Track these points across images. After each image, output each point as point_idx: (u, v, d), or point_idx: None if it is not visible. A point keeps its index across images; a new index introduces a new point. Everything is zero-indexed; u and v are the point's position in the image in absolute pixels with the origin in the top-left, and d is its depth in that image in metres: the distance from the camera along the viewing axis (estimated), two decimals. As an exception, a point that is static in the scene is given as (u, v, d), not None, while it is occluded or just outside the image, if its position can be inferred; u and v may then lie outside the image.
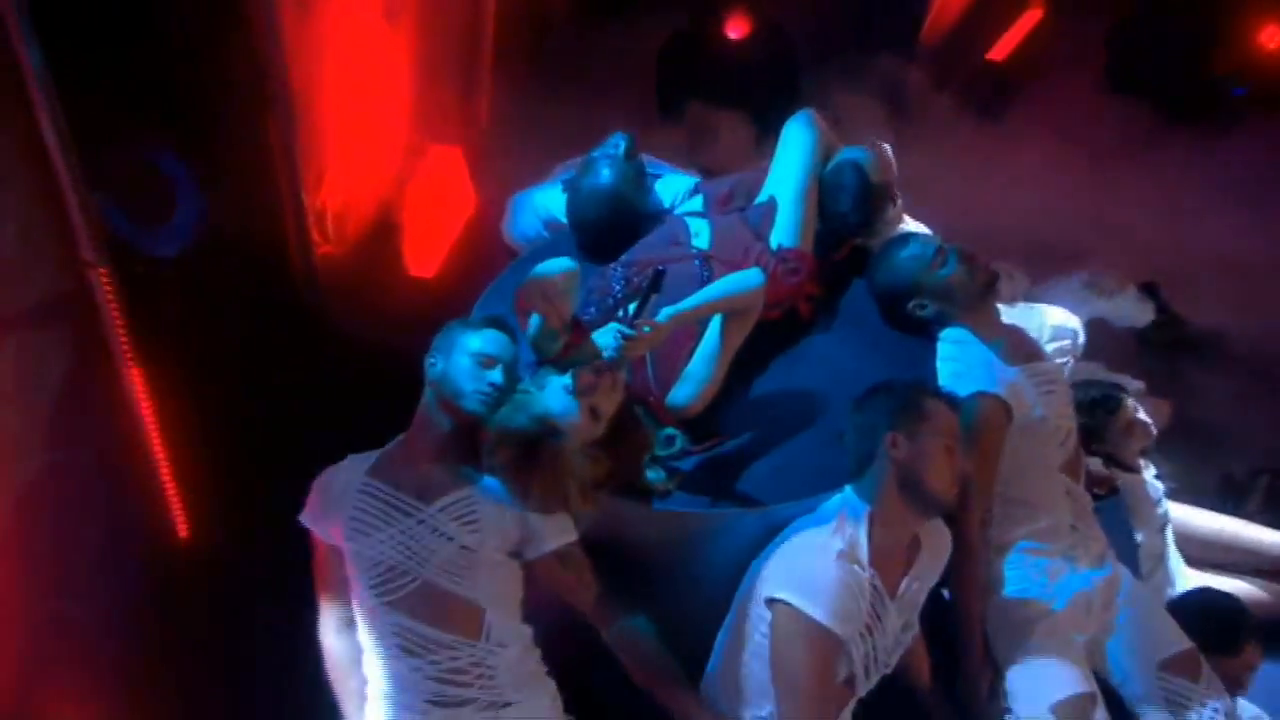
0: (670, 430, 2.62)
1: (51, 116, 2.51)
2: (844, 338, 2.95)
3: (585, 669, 2.49)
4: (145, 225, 2.98)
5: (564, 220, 3.25)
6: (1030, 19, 5.74)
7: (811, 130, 3.06)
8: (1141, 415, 3.35)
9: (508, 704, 2.37)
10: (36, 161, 2.54)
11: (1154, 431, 3.38)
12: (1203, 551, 3.50)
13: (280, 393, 3.31)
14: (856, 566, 2.33)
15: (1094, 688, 2.61)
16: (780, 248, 2.89)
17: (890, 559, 2.40)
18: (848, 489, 2.43)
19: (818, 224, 3.00)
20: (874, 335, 2.93)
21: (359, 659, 2.46)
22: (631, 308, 2.51)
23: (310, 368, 3.39)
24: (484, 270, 3.19)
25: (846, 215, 3.05)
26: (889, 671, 2.45)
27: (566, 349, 2.50)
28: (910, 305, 2.85)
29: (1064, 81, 5.58)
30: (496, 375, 2.40)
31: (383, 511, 2.40)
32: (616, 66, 5.20)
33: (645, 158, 3.28)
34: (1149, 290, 4.43)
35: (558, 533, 2.41)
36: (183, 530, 3.13)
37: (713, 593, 2.54)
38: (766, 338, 2.80)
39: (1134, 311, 4.35)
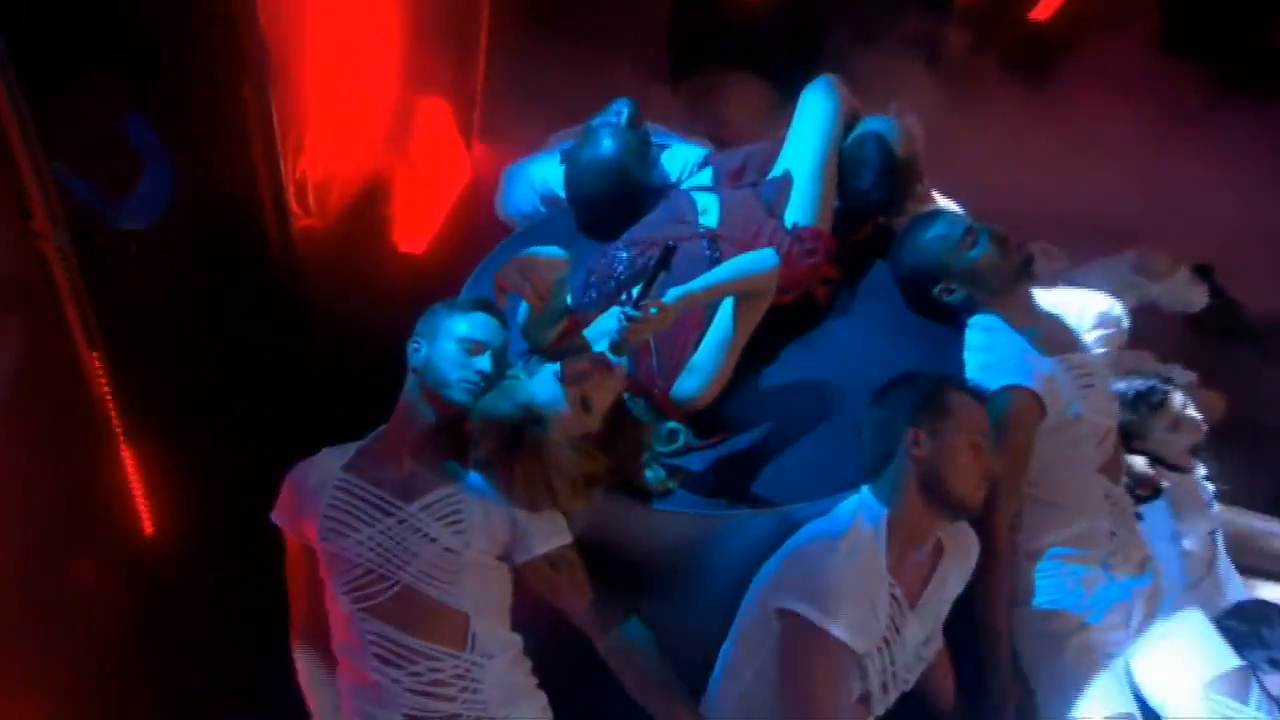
0: (673, 425, 2.61)
1: (3, 74, 2.48)
2: (863, 325, 2.94)
3: (578, 682, 2.48)
4: (109, 195, 2.99)
5: (562, 195, 3.24)
6: (1076, -26, 5.69)
7: (832, 98, 3.03)
8: (1191, 410, 3.31)
9: (494, 719, 2.36)
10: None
11: (1204, 428, 3.34)
12: (1257, 560, 3.48)
13: (253, 380, 3.32)
14: (874, 574, 2.32)
15: (1133, 708, 2.61)
16: (795, 226, 2.87)
17: (911, 566, 2.40)
18: (865, 490, 2.42)
19: (837, 201, 2.99)
20: (896, 322, 2.93)
21: (333, 669, 2.47)
22: (635, 291, 2.49)
23: (286, 353, 3.38)
24: (479, 247, 3.18)
25: (868, 192, 3.02)
26: (909, 689, 2.45)
27: (561, 338, 2.49)
28: (936, 290, 2.83)
29: (1113, 44, 5.51)
30: (484, 362, 2.39)
31: (361, 510, 2.40)
32: (623, 26, 5.15)
33: (651, 126, 3.28)
34: (1203, 273, 4.37)
35: (550, 534, 2.40)
36: (147, 528, 3.14)
37: (717, 601, 2.53)
38: (779, 324, 2.78)
39: (1186, 296, 4.30)
